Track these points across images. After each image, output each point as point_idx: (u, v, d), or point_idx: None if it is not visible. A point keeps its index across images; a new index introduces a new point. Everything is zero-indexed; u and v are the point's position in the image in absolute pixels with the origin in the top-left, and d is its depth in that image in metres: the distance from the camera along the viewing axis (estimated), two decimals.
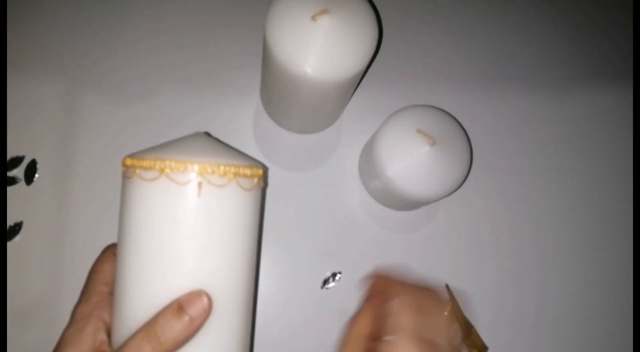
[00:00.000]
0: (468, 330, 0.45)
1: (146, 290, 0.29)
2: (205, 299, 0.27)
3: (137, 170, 0.29)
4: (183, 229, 0.28)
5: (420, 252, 0.47)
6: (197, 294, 0.28)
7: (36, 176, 0.45)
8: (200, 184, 0.28)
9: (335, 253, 0.46)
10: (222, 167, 0.29)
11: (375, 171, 0.41)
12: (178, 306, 0.27)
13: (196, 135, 0.33)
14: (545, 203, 0.50)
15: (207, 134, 0.34)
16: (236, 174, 0.30)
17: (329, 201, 0.47)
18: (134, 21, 0.49)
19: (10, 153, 0.45)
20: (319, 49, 0.35)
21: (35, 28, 0.48)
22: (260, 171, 0.32)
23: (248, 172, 0.30)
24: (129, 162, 0.30)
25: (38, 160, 0.45)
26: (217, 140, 0.33)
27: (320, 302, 0.45)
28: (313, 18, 0.35)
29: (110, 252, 0.35)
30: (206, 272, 0.29)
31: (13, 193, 0.44)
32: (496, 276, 0.48)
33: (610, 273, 0.50)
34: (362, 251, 0.47)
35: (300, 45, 0.35)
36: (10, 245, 0.43)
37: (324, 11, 0.35)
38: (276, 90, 0.42)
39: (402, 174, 0.40)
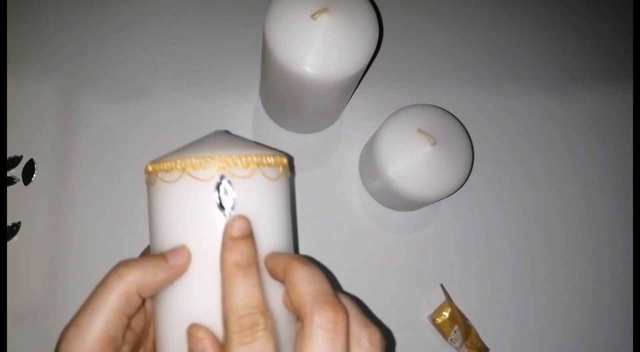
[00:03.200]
0: (467, 331, 0.44)
1: (185, 294, 0.27)
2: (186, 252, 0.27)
3: (159, 174, 0.28)
4: (213, 227, 0.27)
5: (421, 252, 0.47)
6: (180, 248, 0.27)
7: (34, 175, 0.44)
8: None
9: (336, 253, 0.46)
10: (243, 158, 0.28)
11: (376, 171, 0.41)
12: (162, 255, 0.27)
13: (216, 133, 0.32)
14: (546, 202, 0.50)
15: (227, 132, 0.33)
16: (259, 164, 0.28)
17: (329, 201, 0.47)
18: (132, 20, 0.49)
19: (8, 153, 0.45)
20: (318, 48, 0.35)
21: (32, 27, 0.48)
22: (285, 160, 0.30)
23: (272, 160, 0.29)
24: (150, 168, 0.29)
25: (36, 159, 0.45)
26: (237, 136, 0.33)
27: None
28: (313, 17, 0.35)
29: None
30: None
31: (11, 193, 0.44)
32: (497, 276, 0.48)
33: (612, 272, 0.49)
34: (362, 252, 0.46)
35: (300, 44, 0.35)
36: (8, 245, 0.43)
37: (324, 10, 0.34)
38: (276, 90, 0.41)
39: (402, 174, 0.40)
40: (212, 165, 0.27)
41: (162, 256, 0.27)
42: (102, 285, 0.25)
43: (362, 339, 0.24)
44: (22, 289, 0.43)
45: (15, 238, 0.43)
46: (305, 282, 0.24)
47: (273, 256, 0.27)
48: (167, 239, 0.28)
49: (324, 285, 0.25)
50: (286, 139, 0.48)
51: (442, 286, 0.46)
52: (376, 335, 0.25)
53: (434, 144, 0.39)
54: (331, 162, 0.48)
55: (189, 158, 0.28)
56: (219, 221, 0.27)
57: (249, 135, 0.48)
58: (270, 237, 0.28)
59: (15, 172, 0.45)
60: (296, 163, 0.47)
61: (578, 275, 0.49)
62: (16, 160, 0.44)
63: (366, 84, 0.49)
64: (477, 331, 0.45)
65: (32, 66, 0.47)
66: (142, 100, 0.47)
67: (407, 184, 0.40)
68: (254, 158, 0.28)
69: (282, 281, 0.26)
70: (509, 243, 0.49)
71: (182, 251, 0.27)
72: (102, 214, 0.45)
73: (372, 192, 0.47)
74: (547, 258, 0.49)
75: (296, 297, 0.24)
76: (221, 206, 0.27)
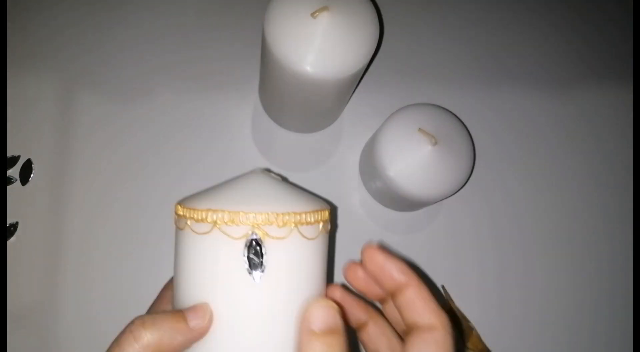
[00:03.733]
0: (469, 333, 0.44)
1: None
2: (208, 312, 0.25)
3: (189, 222, 0.26)
4: (238, 290, 0.25)
5: (422, 253, 0.47)
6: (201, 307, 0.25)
7: (32, 175, 0.44)
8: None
9: (335, 254, 0.46)
10: (280, 217, 0.25)
11: (376, 171, 0.41)
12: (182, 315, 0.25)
13: (254, 173, 0.29)
14: (548, 203, 0.50)
15: (267, 170, 0.30)
16: (298, 223, 0.26)
17: (329, 201, 0.47)
18: (131, 20, 0.49)
19: (7, 153, 0.44)
20: (318, 46, 0.35)
21: (30, 27, 0.48)
22: (327, 214, 0.28)
23: (311, 218, 0.26)
24: (180, 212, 0.27)
25: (34, 159, 0.45)
26: (278, 178, 0.30)
27: None
28: (313, 15, 0.34)
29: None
30: (270, 343, 0.25)
31: (8, 193, 0.44)
32: (499, 276, 0.48)
33: (612, 272, 0.49)
34: None
35: (300, 43, 0.35)
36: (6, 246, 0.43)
37: (324, 8, 0.34)
38: (275, 89, 0.41)
39: (403, 174, 0.39)
40: (245, 222, 0.25)
41: (182, 315, 0.25)
42: (116, 346, 0.24)
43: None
44: (19, 290, 0.42)
45: (12, 239, 0.43)
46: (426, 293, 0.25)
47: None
48: (190, 292, 0.26)
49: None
50: (286, 139, 0.48)
51: (443, 287, 0.46)
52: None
53: (435, 143, 0.39)
54: (331, 162, 0.48)
55: (222, 211, 0.25)
56: (245, 283, 0.25)
57: (249, 135, 0.47)
58: (300, 297, 0.26)
59: (13, 172, 0.44)
60: (296, 163, 0.47)
61: (580, 275, 0.49)
62: (14, 160, 0.44)
63: (366, 83, 0.49)
64: (479, 332, 0.45)
65: (31, 66, 0.47)
66: (141, 100, 0.47)
67: (407, 184, 0.39)
68: (293, 216, 0.26)
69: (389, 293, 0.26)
70: (510, 243, 0.48)
71: (203, 311, 0.25)
72: (100, 214, 0.44)
73: (373, 192, 0.47)
74: (550, 258, 0.49)
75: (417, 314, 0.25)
76: (250, 268, 0.25)
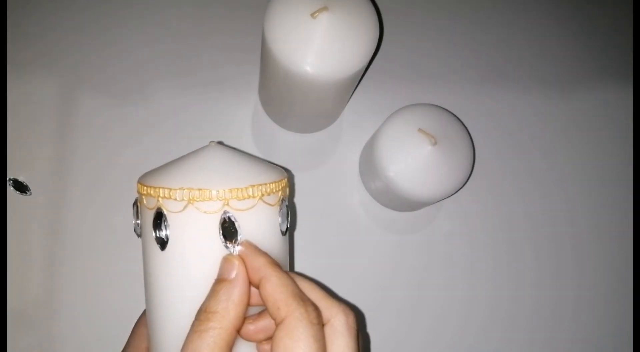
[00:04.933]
0: None
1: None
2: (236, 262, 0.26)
3: (161, 200, 0.27)
4: (214, 260, 0.27)
5: (422, 253, 0.47)
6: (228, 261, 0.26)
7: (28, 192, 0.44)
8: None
9: (335, 254, 0.46)
10: (247, 190, 0.27)
11: (376, 171, 0.41)
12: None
13: (211, 147, 0.30)
14: (548, 202, 0.50)
15: (221, 143, 0.32)
16: (262, 194, 0.28)
17: (329, 201, 0.47)
18: (131, 21, 0.49)
19: (8, 155, 0.44)
20: (318, 46, 0.35)
21: (31, 27, 0.48)
22: (284, 182, 0.30)
23: (273, 187, 0.28)
24: (148, 191, 0.28)
25: (33, 159, 0.45)
26: (233, 149, 0.31)
27: None
28: (313, 15, 0.34)
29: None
30: None
31: (8, 193, 0.44)
32: (500, 277, 0.48)
33: (613, 272, 0.49)
34: (362, 252, 0.46)
35: (300, 43, 0.35)
36: (8, 244, 0.43)
37: (324, 8, 0.34)
38: (275, 89, 0.41)
39: (403, 174, 0.39)
40: (218, 198, 0.27)
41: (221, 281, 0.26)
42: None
43: (337, 323, 0.25)
44: (20, 290, 0.42)
45: (12, 239, 0.43)
46: (279, 286, 0.25)
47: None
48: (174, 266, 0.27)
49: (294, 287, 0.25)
50: (286, 139, 0.48)
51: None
52: (350, 317, 0.26)
53: (435, 143, 0.39)
54: (331, 162, 0.48)
55: (197, 189, 0.27)
56: (221, 254, 0.27)
57: (249, 135, 0.47)
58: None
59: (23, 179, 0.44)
60: (296, 163, 0.47)
61: (582, 276, 0.49)
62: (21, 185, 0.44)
63: (366, 83, 0.49)
64: (482, 331, 0.45)
65: (31, 68, 0.47)
66: (141, 100, 0.47)
67: (407, 184, 0.39)
68: (258, 188, 0.28)
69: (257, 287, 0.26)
70: (511, 243, 0.48)
71: (230, 262, 0.26)
72: (101, 214, 0.44)
73: (372, 192, 0.46)
74: (551, 257, 0.49)
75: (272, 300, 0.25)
76: (225, 241, 0.27)
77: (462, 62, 0.52)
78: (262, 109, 0.48)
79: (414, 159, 0.39)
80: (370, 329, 0.44)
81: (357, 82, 0.41)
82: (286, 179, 0.31)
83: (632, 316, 0.48)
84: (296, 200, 0.46)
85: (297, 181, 0.47)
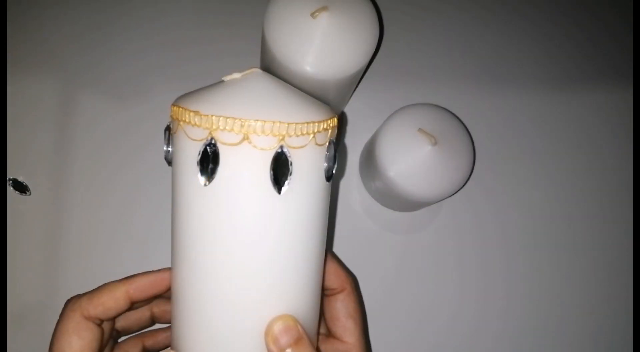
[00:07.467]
0: None
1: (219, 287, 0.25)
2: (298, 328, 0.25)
3: (214, 133, 0.24)
4: (266, 205, 0.25)
5: (422, 253, 0.47)
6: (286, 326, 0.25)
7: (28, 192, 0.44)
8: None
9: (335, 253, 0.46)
10: (304, 126, 0.24)
11: (376, 171, 0.41)
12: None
13: (256, 75, 0.27)
14: (548, 202, 0.50)
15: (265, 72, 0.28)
16: (315, 131, 0.25)
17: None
18: (131, 20, 0.49)
19: (8, 157, 0.44)
20: (318, 46, 0.35)
21: (30, 27, 0.48)
22: (335, 121, 0.27)
23: (326, 125, 0.26)
24: (198, 120, 0.24)
25: (33, 159, 0.45)
26: (280, 81, 0.28)
27: None
28: (312, 15, 0.34)
29: (78, 315, 0.29)
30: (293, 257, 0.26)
31: (11, 194, 0.44)
32: (500, 277, 0.47)
33: (613, 272, 0.49)
34: (362, 252, 0.46)
35: (300, 42, 0.35)
36: (8, 242, 0.43)
37: (324, 8, 0.34)
38: None
39: (403, 174, 0.39)
40: (275, 133, 0.24)
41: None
42: None
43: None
44: (20, 290, 0.42)
45: (12, 237, 0.43)
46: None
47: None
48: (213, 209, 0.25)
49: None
50: None
51: None
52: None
53: (435, 144, 0.38)
54: None
55: (256, 121, 0.23)
56: (272, 195, 0.24)
57: None
58: (319, 206, 0.27)
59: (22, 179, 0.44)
60: None
61: (585, 274, 0.49)
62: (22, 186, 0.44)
63: (366, 83, 0.49)
64: (481, 332, 0.45)
65: (30, 67, 0.47)
66: (141, 99, 0.47)
67: (407, 184, 0.39)
68: (314, 125, 0.25)
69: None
70: (511, 243, 0.48)
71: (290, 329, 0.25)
72: (101, 214, 0.44)
73: (372, 192, 0.46)
74: (551, 258, 0.49)
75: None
76: (276, 181, 0.24)
77: (462, 62, 0.52)
78: None
79: (414, 159, 0.39)
80: (370, 329, 0.44)
81: (357, 82, 0.41)
82: (336, 118, 0.28)
83: (632, 315, 0.48)
84: None
85: None
